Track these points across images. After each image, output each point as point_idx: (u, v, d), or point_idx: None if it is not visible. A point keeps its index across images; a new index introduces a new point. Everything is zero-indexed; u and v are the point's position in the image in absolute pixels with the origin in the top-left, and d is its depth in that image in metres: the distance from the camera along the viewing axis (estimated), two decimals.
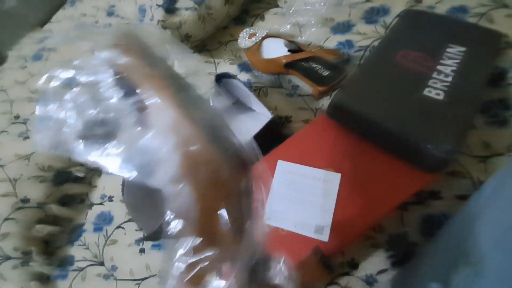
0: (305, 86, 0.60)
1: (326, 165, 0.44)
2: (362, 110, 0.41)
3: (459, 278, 0.26)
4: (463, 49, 0.45)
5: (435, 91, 0.41)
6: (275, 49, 0.59)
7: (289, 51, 0.58)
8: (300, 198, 0.43)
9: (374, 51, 0.49)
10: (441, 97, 0.40)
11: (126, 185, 0.55)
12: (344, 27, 0.62)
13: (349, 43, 0.59)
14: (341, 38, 0.61)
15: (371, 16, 0.61)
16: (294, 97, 0.60)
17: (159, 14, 0.63)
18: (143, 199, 0.51)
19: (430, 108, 0.39)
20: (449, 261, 0.32)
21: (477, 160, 0.44)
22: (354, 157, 0.43)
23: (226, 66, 0.69)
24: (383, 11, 0.60)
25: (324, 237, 0.39)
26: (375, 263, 0.43)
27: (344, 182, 0.42)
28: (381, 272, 0.42)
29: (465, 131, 0.38)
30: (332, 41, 0.61)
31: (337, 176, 0.42)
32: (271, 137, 0.55)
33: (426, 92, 0.41)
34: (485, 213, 0.31)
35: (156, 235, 0.49)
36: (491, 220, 0.29)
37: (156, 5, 0.64)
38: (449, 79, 0.42)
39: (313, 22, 0.62)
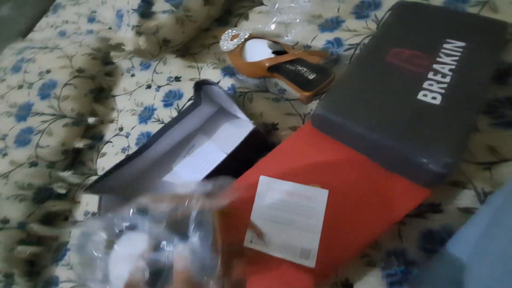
0: (292, 90, 0.56)
1: (312, 180, 0.40)
2: (349, 120, 0.37)
3: None
4: (462, 44, 0.41)
5: (431, 94, 0.36)
6: (258, 51, 0.55)
7: (273, 52, 0.54)
8: (284, 218, 0.39)
9: (364, 50, 0.44)
10: (437, 101, 0.36)
11: (104, 202, 0.52)
12: (332, 24, 0.57)
13: (338, 42, 0.55)
14: (330, 36, 0.56)
15: (362, 10, 0.56)
16: (281, 101, 0.56)
17: (134, 19, 0.59)
18: None
19: (425, 114, 0.35)
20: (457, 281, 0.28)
21: (482, 167, 0.39)
22: (343, 170, 0.39)
23: (209, 71, 0.65)
24: (374, 4, 0.55)
25: (311, 262, 0.35)
26: (371, 283, 0.40)
27: (332, 199, 0.38)
28: None
29: (465, 140, 0.33)
30: (320, 40, 0.57)
31: (325, 193, 0.38)
32: (255, 148, 0.51)
33: (420, 96, 0.36)
34: (496, 230, 0.27)
35: None
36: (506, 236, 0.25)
37: (132, 9, 0.61)
38: (447, 79, 0.37)
39: (298, 20, 0.57)
